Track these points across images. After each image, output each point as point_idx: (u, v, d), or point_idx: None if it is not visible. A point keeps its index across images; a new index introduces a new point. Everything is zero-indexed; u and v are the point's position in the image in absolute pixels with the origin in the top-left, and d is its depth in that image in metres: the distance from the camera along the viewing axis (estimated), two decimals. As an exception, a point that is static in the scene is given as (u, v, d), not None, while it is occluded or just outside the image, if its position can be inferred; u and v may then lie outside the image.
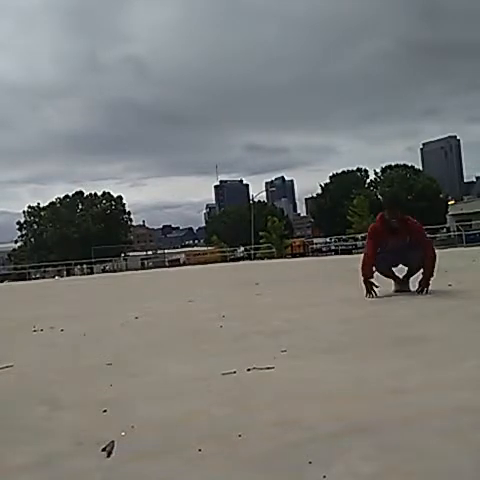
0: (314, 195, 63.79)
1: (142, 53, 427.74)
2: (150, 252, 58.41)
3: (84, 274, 38.69)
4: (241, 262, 30.71)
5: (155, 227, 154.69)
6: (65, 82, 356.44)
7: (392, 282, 4.90)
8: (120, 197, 55.93)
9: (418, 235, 4.78)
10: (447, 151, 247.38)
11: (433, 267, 4.59)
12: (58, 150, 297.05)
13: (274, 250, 35.79)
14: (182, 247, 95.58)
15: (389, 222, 4.68)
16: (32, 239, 52.99)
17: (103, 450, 1.50)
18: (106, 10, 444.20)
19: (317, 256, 29.43)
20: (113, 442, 1.54)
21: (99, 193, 55.39)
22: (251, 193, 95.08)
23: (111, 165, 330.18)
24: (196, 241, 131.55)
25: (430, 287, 4.55)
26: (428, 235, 6.29)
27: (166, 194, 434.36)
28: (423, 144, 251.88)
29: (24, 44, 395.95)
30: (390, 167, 55.79)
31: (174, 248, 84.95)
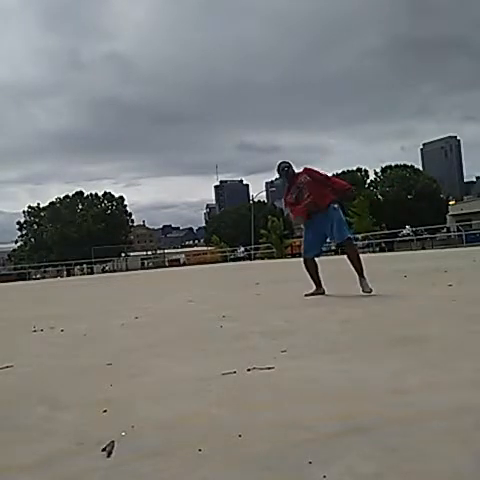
0: (314, 195, 63.59)
1: (127, 51, 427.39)
2: (150, 252, 58.45)
3: (84, 274, 38.72)
4: (241, 262, 30.74)
5: (155, 227, 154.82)
6: (51, 81, 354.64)
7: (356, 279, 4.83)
8: (121, 197, 56.08)
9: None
10: (447, 151, 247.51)
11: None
12: (50, 150, 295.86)
13: (274, 250, 35.81)
14: (182, 247, 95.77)
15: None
16: (32, 239, 53.05)
17: (103, 450, 1.49)
18: (88, 7, 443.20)
19: (317, 256, 29.37)
20: (113, 442, 1.54)
21: (100, 193, 55.52)
22: (251, 193, 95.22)
23: (105, 165, 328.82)
24: (196, 241, 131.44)
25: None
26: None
27: (162, 194, 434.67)
28: (423, 144, 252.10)
29: (6, 42, 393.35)
30: (390, 167, 55.73)
31: (174, 248, 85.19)
